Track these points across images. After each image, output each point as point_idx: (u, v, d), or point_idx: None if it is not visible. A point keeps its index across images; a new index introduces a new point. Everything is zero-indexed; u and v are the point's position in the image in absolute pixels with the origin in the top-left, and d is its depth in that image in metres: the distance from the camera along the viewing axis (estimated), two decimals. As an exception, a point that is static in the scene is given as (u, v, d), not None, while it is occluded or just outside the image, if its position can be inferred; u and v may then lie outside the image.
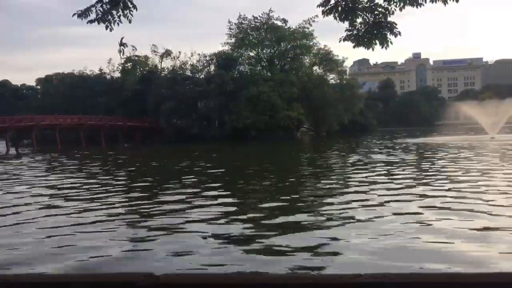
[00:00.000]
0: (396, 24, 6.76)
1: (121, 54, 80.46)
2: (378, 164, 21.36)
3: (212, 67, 69.62)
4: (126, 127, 66.54)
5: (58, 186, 17.26)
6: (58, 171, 24.80)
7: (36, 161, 34.29)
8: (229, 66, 66.75)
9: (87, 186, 16.62)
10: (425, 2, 6.42)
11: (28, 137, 62.90)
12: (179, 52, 74.68)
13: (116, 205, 12.34)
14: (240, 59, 69.74)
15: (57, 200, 13.67)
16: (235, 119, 59.75)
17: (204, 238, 8.19)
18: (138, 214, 10.90)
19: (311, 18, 66.82)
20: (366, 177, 16.37)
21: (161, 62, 76.48)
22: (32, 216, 10.90)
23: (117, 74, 79.56)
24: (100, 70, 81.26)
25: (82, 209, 11.66)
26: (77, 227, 9.57)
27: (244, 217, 10.03)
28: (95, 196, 14.07)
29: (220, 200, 12.26)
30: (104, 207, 11.89)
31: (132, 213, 11.10)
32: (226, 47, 70.40)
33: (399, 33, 6.76)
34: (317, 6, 6.84)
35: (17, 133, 59.41)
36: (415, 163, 22.39)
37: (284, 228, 8.78)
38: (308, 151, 38.36)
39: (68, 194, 14.68)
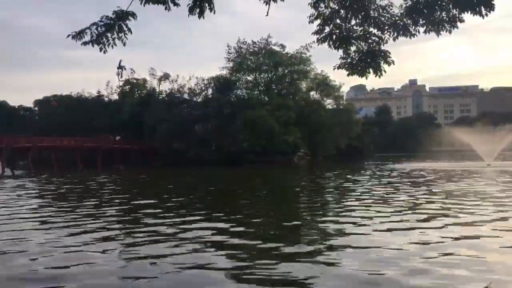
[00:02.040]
0: (389, 53, 6.85)
1: (120, 76, 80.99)
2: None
3: (210, 91, 70.07)
4: (123, 150, 66.41)
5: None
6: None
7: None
8: (227, 90, 67.13)
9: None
10: (418, 32, 6.53)
11: (25, 158, 62.65)
12: (177, 75, 75.14)
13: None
14: (238, 83, 70.26)
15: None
16: (232, 142, 59.84)
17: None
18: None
19: (308, 44, 67.73)
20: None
21: (159, 85, 76.89)
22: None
23: (115, 97, 79.87)
24: (98, 92, 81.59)
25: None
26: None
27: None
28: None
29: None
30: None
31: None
32: (224, 71, 71.09)
33: (393, 62, 6.85)
34: (312, 33, 6.95)
35: (13, 153, 59.15)
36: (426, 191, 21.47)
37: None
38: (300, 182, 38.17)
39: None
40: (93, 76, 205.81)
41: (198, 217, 13.72)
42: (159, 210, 15.69)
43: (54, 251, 9.34)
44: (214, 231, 11.12)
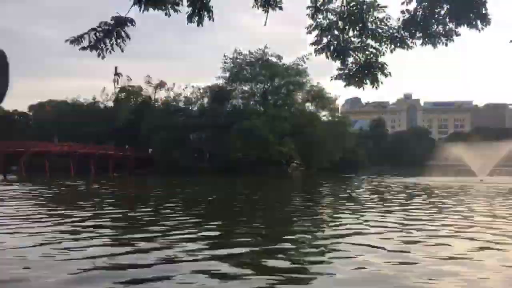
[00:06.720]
0: (387, 65, 6.89)
1: (116, 83, 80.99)
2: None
3: (206, 100, 70.10)
4: (117, 157, 66.15)
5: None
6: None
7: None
8: (223, 99, 67.21)
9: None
10: (415, 45, 6.58)
11: (17, 163, 62.17)
12: (173, 83, 75.32)
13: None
14: (234, 93, 70.33)
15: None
16: (227, 152, 59.75)
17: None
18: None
19: (305, 56, 67.87)
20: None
21: (154, 93, 77.00)
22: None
23: (110, 104, 79.76)
24: (94, 98, 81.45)
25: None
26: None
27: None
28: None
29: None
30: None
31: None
32: (220, 81, 71.16)
33: (390, 73, 6.88)
34: (310, 44, 6.99)
35: (5, 158, 58.68)
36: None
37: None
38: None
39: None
40: (89, 83, 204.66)
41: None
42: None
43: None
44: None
